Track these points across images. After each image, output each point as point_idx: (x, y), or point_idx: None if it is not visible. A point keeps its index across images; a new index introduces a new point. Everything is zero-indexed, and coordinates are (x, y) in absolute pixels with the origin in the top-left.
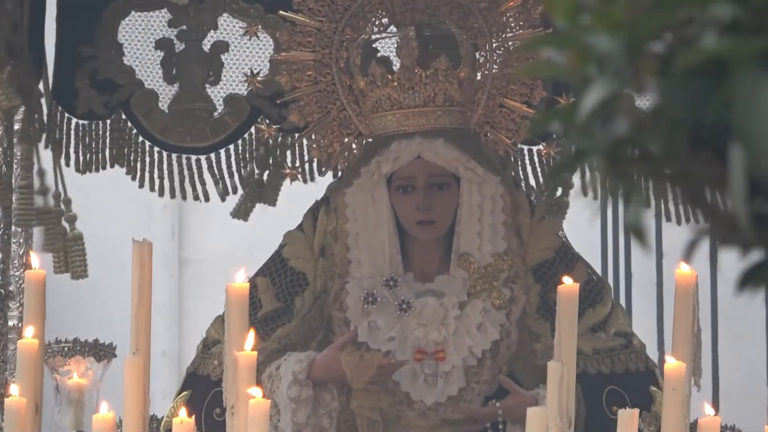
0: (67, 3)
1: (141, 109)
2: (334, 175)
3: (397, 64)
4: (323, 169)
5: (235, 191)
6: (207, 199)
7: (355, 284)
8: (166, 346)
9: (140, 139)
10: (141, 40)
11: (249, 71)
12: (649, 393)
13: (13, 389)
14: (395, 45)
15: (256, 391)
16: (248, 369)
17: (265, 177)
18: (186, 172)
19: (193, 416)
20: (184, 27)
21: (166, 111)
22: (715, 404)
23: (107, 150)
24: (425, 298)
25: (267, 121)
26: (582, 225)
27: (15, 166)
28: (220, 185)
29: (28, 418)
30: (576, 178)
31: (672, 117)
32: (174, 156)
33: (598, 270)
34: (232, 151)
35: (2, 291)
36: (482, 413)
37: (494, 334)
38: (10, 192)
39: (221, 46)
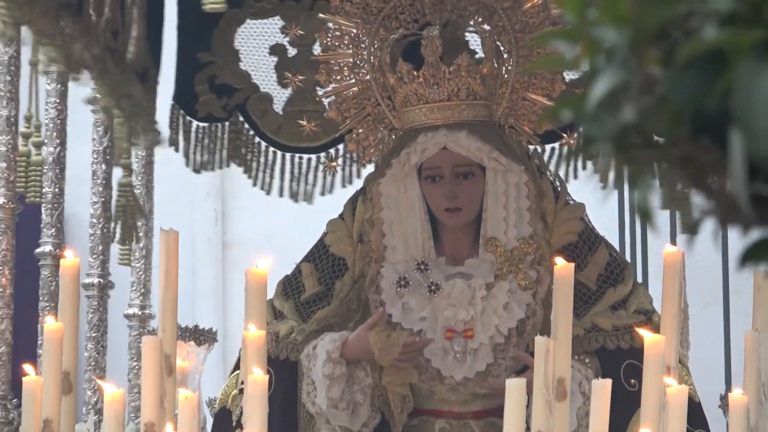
0: (187, 12)
1: (256, 111)
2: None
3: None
4: (362, 161)
5: (332, 190)
6: (310, 201)
7: (390, 268)
8: (211, 325)
9: (256, 139)
10: (256, 46)
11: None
12: None
13: (28, 369)
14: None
15: (257, 371)
16: (256, 348)
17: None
18: (296, 170)
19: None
20: (297, 33)
21: (280, 113)
22: (727, 377)
23: (224, 150)
24: (454, 280)
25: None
26: (600, 206)
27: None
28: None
29: (51, 398)
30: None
31: (675, 104)
32: (288, 155)
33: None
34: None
35: (101, 281)
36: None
37: (520, 313)
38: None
39: None
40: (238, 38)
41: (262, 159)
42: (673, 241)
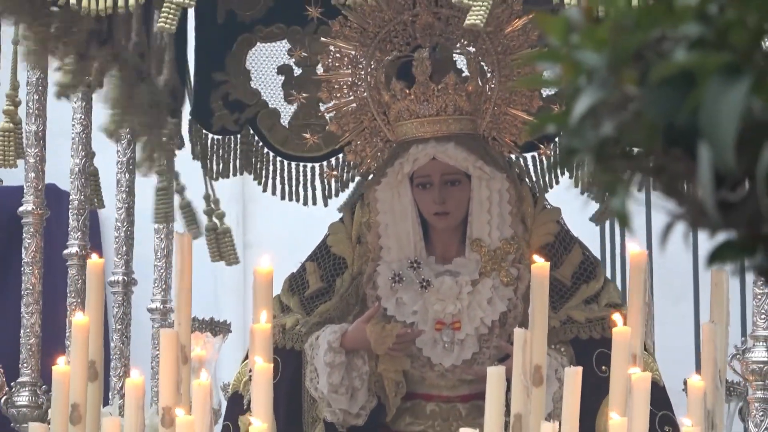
0: (204, 36)
1: (265, 125)
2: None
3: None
4: (360, 170)
5: (337, 194)
6: (314, 202)
7: (385, 267)
8: (234, 319)
9: (265, 150)
10: (265, 67)
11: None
12: None
13: (60, 360)
14: (412, 64)
15: (258, 360)
16: (262, 340)
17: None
18: (301, 177)
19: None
20: (302, 54)
21: (287, 126)
22: (698, 365)
23: (237, 160)
24: (443, 277)
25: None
26: (582, 209)
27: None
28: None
29: (78, 385)
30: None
31: (649, 120)
32: (293, 164)
33: (598, 250)
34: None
35: (125, 278)
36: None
37: (502, 307)
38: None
39: None
40: (249, 59)
41: (270, 168)
42: (649, 243)
